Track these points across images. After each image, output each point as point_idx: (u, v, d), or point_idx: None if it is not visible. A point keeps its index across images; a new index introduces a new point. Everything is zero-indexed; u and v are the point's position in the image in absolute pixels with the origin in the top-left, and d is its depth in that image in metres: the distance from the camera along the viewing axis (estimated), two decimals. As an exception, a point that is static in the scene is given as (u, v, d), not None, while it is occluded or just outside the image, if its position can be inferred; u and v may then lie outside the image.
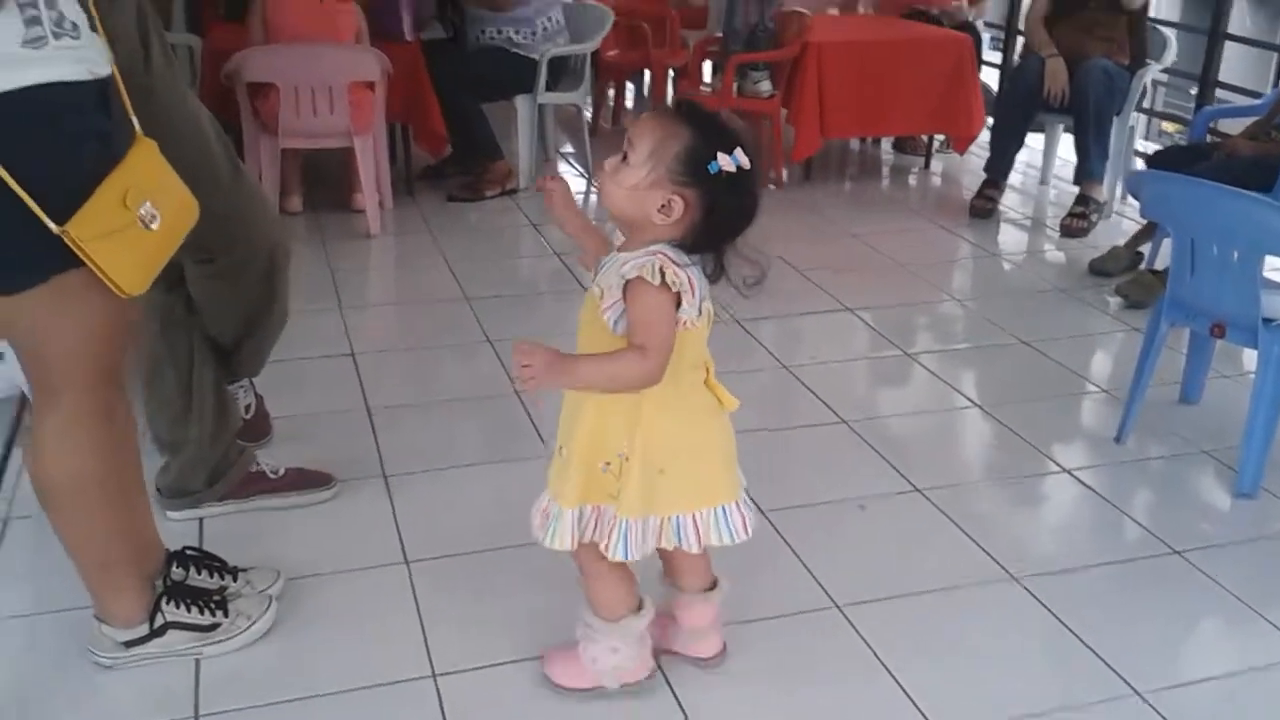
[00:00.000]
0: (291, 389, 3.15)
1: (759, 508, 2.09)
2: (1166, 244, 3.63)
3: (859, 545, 2.58)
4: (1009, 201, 5.37)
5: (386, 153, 4.95)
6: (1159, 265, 4.20)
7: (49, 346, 1.84)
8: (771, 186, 5.46)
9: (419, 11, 5.21)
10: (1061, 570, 2.50)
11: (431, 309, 4.00)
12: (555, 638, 2.12)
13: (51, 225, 1.67)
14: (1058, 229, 4.97)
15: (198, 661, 2.12)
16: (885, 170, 6.17)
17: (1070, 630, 2.29)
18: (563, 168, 5.90)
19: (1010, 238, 5.10)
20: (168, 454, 2.56)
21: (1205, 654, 2.35)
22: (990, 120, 5.59)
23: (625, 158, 1.73)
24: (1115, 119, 5.03)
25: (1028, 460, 3.00)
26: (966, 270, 4.75)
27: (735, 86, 5.38)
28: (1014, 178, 5.45)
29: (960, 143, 5.71)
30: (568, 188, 1.94)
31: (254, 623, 2.18)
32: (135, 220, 1.75)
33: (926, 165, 6.04)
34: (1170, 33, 5.26)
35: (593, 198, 5.33)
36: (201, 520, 2.57)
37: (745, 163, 1.69)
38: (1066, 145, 5.39)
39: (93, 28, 1.77)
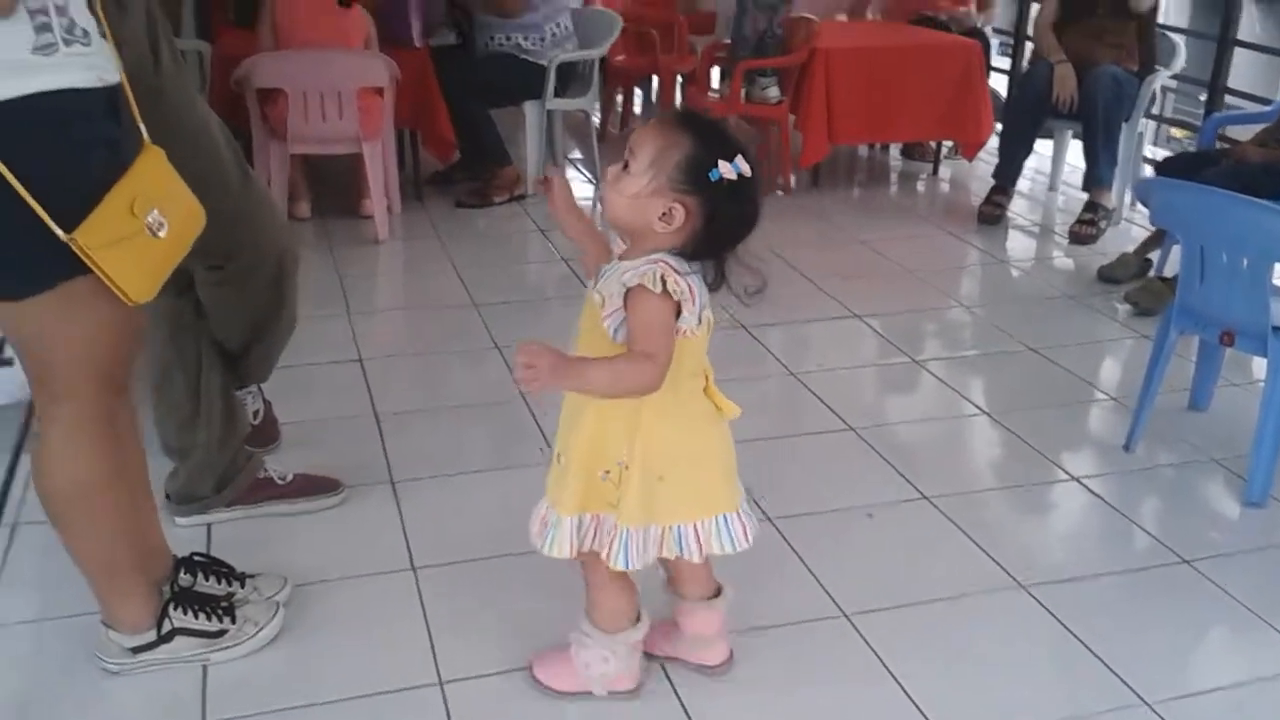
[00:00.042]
0: (300, 394, 3.15)
1: (766, 515, 2.09)
2: (1175, 251, 3.61)
3: (866, 553, 2.58)
4: (1017, 208, 5.36)
5: (395, 158, 4.97)
6: (1168, 272, 4.18)
7: (55, 352, 1.84)
8: (779, 192, 5.46)
9: (428, 18, 5.24)
10: (1069, 578, 2.49)
11: (439, 315, 4.00)
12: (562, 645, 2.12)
13: (59, 232, 1.67)
14: (1066, 236, 4.96)
15: (205, 668, 2.13)
16: (893, 176, 6.17)
17: (1078, 639, 2.28)
18: (571, 174, 5.91)
19: (1019, 244, 5.09)
20: (176, 460, 2.57)
21: (1214, 664, 2.34)
22: (999, 126, 5.56)
23: (626, 166, 1.73)
24: (1124, 125, 5.01)
25: (1036, 468, 3.00)
26: (975, 277, 4.74)
27: (743, 92, 5.38)
28: (1022, 184, 5.44)
29: (969, 149, 5.71)
30: (569, 186, 1.94)
31: (261, 629, 2.18)
32: (143, 228, 1.75)
33: (935, 171, 6.03)
34: (1179, 39, 5.23)
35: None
36: (209, 526, 2.57)
37: (746, 170, 1.69)
38: (1075, 152, 5.37)
39: (102, 34, 1.78)
